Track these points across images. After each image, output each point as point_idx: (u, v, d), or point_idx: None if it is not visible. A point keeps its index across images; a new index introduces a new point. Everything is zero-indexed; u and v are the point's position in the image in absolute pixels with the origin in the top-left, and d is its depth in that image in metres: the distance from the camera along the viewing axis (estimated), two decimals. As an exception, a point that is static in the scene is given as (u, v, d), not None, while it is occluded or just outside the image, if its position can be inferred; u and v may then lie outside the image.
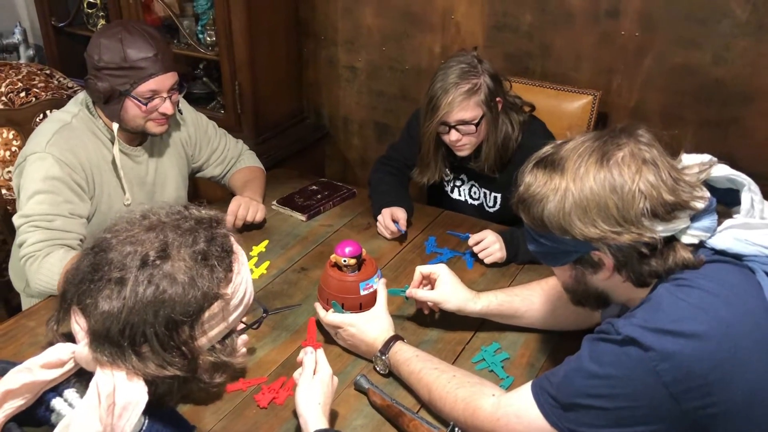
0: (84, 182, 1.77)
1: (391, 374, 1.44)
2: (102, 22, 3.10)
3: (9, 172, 2.16)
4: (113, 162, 1.83)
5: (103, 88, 1.72)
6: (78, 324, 0.91)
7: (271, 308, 1.62)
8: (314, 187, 2.19)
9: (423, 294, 1.55)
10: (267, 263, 1.82)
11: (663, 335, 1.02)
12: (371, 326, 1.47)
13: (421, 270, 1.57)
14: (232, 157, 2.15)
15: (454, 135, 1.89)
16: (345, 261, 1.54)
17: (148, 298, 0.88)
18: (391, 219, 1.93)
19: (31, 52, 3.47)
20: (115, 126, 1.80)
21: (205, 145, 2.09)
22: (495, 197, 2.08)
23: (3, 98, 2.64)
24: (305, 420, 1.22)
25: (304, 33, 2.98)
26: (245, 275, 1.01)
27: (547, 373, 1.18)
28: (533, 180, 1.14)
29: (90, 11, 3.13)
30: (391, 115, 2.96)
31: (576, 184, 1.08)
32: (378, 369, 1.45)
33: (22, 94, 2.65)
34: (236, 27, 2.66)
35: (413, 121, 2.13)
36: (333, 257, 1.56)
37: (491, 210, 2.10)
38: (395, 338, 1.45)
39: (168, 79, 1.77)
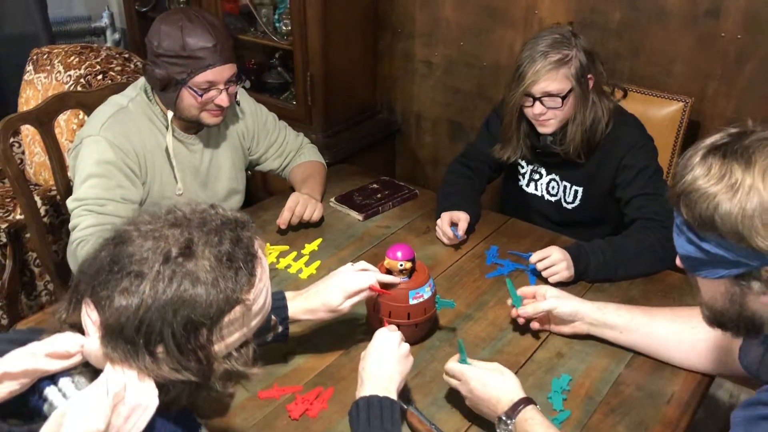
0: (136, 167, 1.75)
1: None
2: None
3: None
4: (167, 149, 1.80)
5: (160, 76, 1.69)
6: (89, 317, 0.86)
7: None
8: (375, 185, 2.10)
9: (535, 307, 1.44)
10: (317, 263, 1.74)
11: None
12: (497, 382, 1.24)
13: (524, 289, 1.50)
14: (291, 150, 2.09)
15: (538, 108, 1.76)
16: (401, 265, 1.44)
17: (168, 296, 0.84)
18: (449, 224, 1.82)
19: (117, 35, 3.55)
20: (170, 114, 1.77)
21: (263, 138, 2.03)
22: (576, 191, 1.93)
23: (81, 80, 2.69)
24: (376, 379, 1.19)
25: (382, 25, 2.89)
26: (267, 282, 0.97)
27: None
28: (705, 171, 0.95)
29: (173, -3, 3.16)
30: (466, 114, 2.84)
31: (767, 183, 0.91)
32: None
33: (99, 77, 2.69)
34: (311, 16, 2.60)
35: (493, 119, 2.01)
36: (386, 262, 1.47)
37: (570, 206, 1.95)
38: (526, 401, 1.20)
39: (226, 70, 1.72)
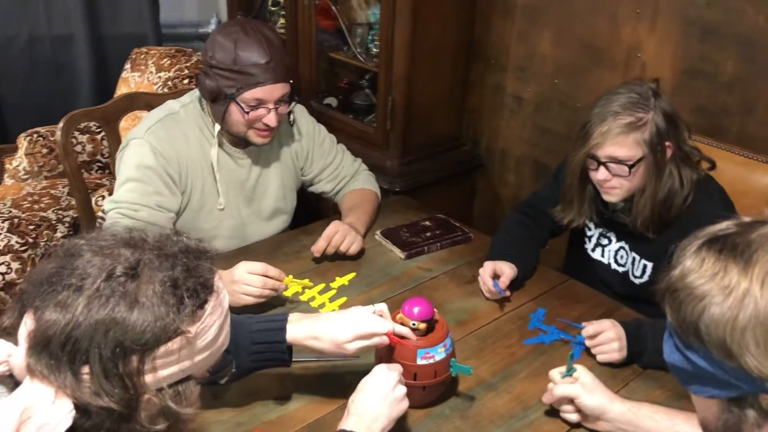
0: (176, 175, 1.71)
1: None
2: (281, 21, 3.12)
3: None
4: (212, 162, 1.75)
5: (210, 87, 1.65)
6: (26, 327, 0.83)
7: (323, 354, 1.43)
8: (427, 222, 1.95)
9: (562, 389, 1.27)
10: (343, 300, 1.62)
11: None
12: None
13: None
14: (345, 175, 1.99)
15: (602, 173, 1.57)
16: (413, 324, 1.30)
17: (101, 316, 0.80)
18: (492, 275, 1.64)
19: (222, 43, 3.62)
20: (217, 127, 1.72)
21: (318, 159, 1.95)
22: (644, 266, 1.70)
23: (169, 83, 2.74)
24: (362, 416, 1.11)
25: (475, 54, 2.75)
26: (221, 318, 0.91)
27: None
28: (697, 265, 0.80)
29: (273, 9, 3.17)
30: (553, 156, 2.63)
31: (765, 290, 0.74)
32: None
33: (186, 81, 2.72)
34: (398, 39, 2.50)
35: (564, 168, 1.82)
36: (399, 316, 1.33)
37: (637, 281, 1.72)
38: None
39: (277, 90, 1.65)
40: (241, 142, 1.78)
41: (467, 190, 2.94)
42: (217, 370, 0.98)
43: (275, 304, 1.57)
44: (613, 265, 1.77)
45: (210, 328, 0.88)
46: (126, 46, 3.08)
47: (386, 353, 1.30)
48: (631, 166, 1.54)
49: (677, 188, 1.58)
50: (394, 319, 1.32)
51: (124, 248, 0.85)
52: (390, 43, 2.52)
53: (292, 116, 1.83)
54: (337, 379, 1.38)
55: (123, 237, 0.88)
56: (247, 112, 1.65)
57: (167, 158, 1.68)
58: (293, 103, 1.76)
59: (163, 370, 0.84)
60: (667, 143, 1.56)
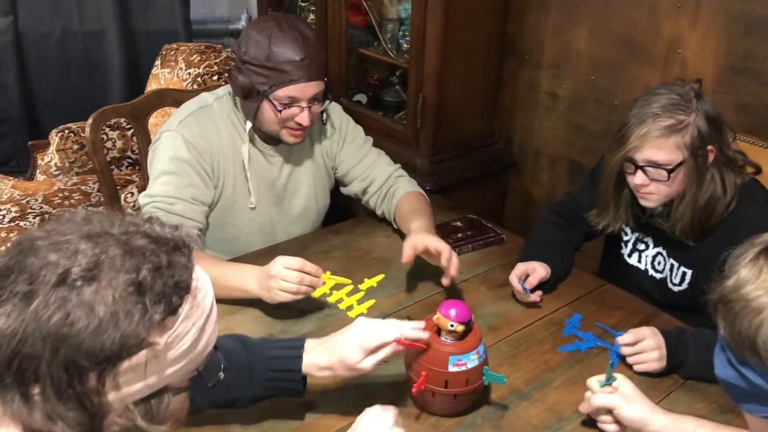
0: (210, 168, 1.68)
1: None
2: (311, 16, 3.09)
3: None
4: (243, 161, 1.72)
5: (243, 83, 1.61)
6: None
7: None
8: (459, 223, 1.90)
9: (601, 399, 1.21)
10: (371, 302, 1.58)
11: None
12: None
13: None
14: (376, 177, 1.88)
15: (639, 177, 1.51)
16: (451, 326, 1.25)
17: (50, 328, 0.69)
18: (521, 276, 1.59)
19: (252, 39, 3.61)
20: (248, 124, 1.68)
21: (347, 157, 1.89)
22: (683, 273, 1.63)
23: (198, 79, 2.72)
24: None
25: (509, 51, 2.68)
26: (199, 322, 0.79)
27: None
28: (754, 275, 0.76)
29: (303, 4, 3.14)
30: (589, 155, 2.56)
31: None
32: None
33: (215, 77, 2.71)
34: (429, 35, 2.45)
35: (599, 168, 1.76)
36: (436, 317, 1.28)
37: (676, 289, 1.65)
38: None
39: (311, 88, 1.61)
40: (272, 139, 1.75)
41: (499, 189, 2.87)
42: (207, 377, 0.87)
43: (303, 308, 1.53)
44: (650, 271, 1.70)
45: (185, 335, 0.78)
46: (157, 42, 3.08)
47: (415, 360, 1.26)
48: (670, 171, 1.47)
49: (719, 194, 1.51)
50: (430, 320, 1.28)
51: (84, 242, 0.74)
52: (422, 38, 2.47)
53: (324, 115, 1.78)
54: (364, 385, 1.34)
55: (83, 228, 0.76)
56: (280, 111, 1.61)
57: (200, 151, 1.65)
58: (327, 102, 1.72)
59: (128, 387, 0.74)
60: (709, 147, 1.49)
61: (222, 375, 0.90)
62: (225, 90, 1.77)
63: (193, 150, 1.65)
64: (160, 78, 2.85)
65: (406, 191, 1.86)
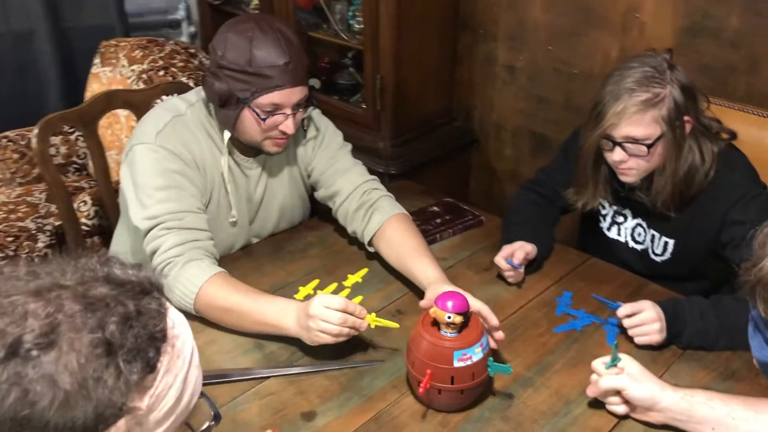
0: (198, 180, 1.55)
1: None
2: (255, 2, 2.98)
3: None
4: (222, 173, 1.61)
5: (221, 90, 1.47)
6: None
7: (345, 360, 1.34)
8: (436, 208, 1.86)
9: (608, 381, 1.18)
10: (359, 299, 1.53)
11: None
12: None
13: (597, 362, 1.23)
14: (342, 186, 1.70)
15: (618, 154, 1.49)
16: (449, 318, 1.21)
17: (7, 412, 0.58)
18: (508, 258, 1.56)
19: (192, 29, 3.46)
20: (227, 134, 1.55)
21: (322, 163, 1.73)
22: (666, 243, 1.63)
23: (143, 76, 2.58)
24: None
25: (462, 25, 2.64)
26: (182, 372, 0.70)
27: None
28: None
29: (246, -10, 3.02)
30: (552, 126, 2.55)
31: None
32: None
33: (161, 73, 2.58)
34: (383, 13, 2.38)
35: (572, 141, 1.73)
36: (432, 310, 1.24)
37: (659, 259, 1.65)
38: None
39: (295, 94, 1.49)
40: (251, 149, 1.63)
41: (463, 167, 2.85)
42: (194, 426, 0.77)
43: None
44: (631, 243, 1.70)
45: (169, 391, 0.68)
46: (92, 39, 2.90)
47: (418, 357, 1.22)
48: (649, 146, 1.46)
49: (698, 164, 1.51)
50: (426, 314, 1.24)
51: (33, 301, 0.62)
52: (375, 17, 2.40)
53: (305, 121, 1.67)
54: (364, 386, 1.29)
55: (30, 284, 0.64)
56: (264, 119, 1.49)
57: (187, 161, 1.53)
58: (311, 108, 1.62)
59: None
60: (686, 118, 1.47)
61: (213, 423, 0.80)
62: (196, 96, 1.63)
63: (180, 161, 1.52)
64: (102, 77, 2.70)
65: (390, 215, 1.64)
